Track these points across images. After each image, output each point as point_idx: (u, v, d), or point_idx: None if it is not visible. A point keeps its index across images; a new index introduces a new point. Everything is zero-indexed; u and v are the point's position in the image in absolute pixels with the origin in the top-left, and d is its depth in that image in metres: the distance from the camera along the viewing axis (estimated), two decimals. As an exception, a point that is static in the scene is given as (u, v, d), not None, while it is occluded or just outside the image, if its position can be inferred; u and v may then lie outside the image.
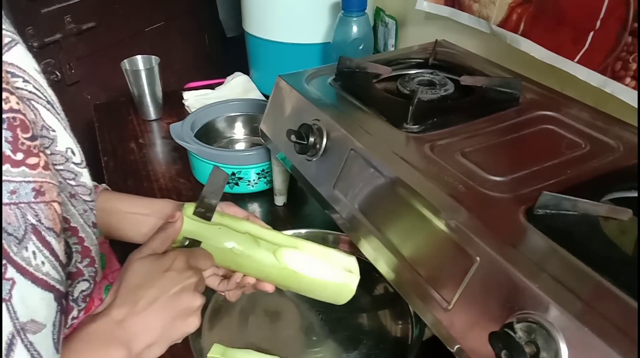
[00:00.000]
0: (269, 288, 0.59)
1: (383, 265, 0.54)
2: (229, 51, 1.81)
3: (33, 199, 0.34)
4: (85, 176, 0.46)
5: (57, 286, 0.36)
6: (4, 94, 0.34)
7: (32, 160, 0.35)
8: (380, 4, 1.14)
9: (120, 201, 0.62)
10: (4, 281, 0.32)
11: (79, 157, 0.45)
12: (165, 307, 0.47)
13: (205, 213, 0.57)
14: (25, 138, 0.34)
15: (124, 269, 0.49)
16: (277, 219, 0.90)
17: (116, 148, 1.12)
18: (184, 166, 1.02)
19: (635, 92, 0.60)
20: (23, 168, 0.34)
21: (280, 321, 0.67)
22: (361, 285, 0.71)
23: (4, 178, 0.33)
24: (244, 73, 1.27)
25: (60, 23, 1.41)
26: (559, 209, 0.45)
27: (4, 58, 0.38)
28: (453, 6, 0.89)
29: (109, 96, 1.49)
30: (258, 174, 0.91)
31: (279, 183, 0.89)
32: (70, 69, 1.47)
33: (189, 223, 0.56)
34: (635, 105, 0.60)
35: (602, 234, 0.44)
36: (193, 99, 1.23)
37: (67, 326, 0.46)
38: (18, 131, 0.34)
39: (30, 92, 0.40)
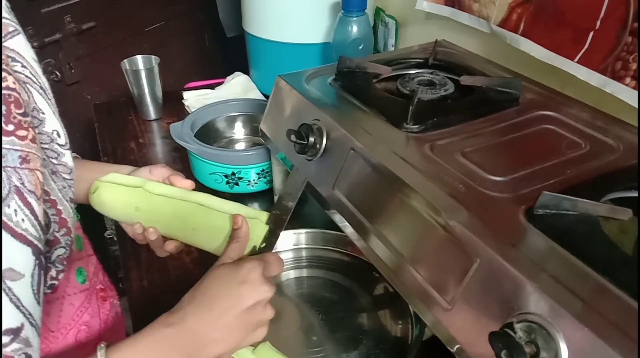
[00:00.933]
0: (170, 246, 0.61)
1: (383, 264, 0.54)
2: (229, 51, 1.81)
3: (19, 165, 0.38)
4: (67, 157, 0.49)
5: (35, 242, 0.39)
6: (3, 74, 0.37)
7: (22, 132, 0.38)
8: (380, 3, 1.14)
9: (86, 168, 0.64)
10: None
11: (63, 139, 0.48)
12: (240, 320, 0.49)
13: (280, 216, 0.58)
14: (18, 113, 0.38)
15: (203, 277, 0.51)
16: (277, 219, 0.90)
17: (116, 147, 1.12)
18: (184, 166, 1.02)
19: (635, 92, 0.60)
20: (12, 137, 0.37)
21: (280, 321, 0.67)
22: (361, 285, 0.72)
23: None
24: (244, 73, 1.27)
25: (60, 23, 1.41)
26: (559, 209, 0.45)
27: (7, 44, 0.41)
28: (453, 6, 0.89)
29: (109, 96, 1.49)
30: (258, 174, 0.91)
31: (279, 183, 0.89)
32: (70, 69, 1.47)
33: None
34: (635, 105, 0.60)
35: (602, 234, 0.44)
36: (193, 99, 1.23)
37: (47, 285, 0.48)
38: (12, 106, 0.37)
39: (26, 76, 0.43)
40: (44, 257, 0.41)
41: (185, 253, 0.83)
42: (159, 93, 1.20)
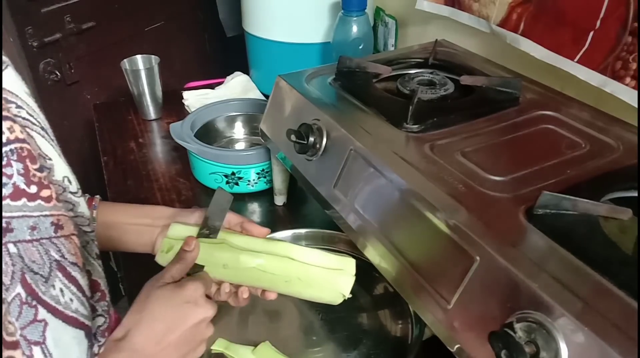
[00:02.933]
0: (271, 296, 0.59)
1: (383, 264, 0.54)
2: (229, 50, 1.81)
3: (54, 234, 0.33)
4: (82, 206, 0.44)
5: (87, 322, 0.35)
6: (8, 123, 0.32)
7: (45, 192, 0.33)
8: (380, 3, 1.14)
9: (119, 213, 0.61)
10: (36, 324, 0.31)
11: (75, 185, 0.43)
12: (184, 339, 0.48)
13: (209, 235, 0.57)
14: (35, 169, 0.33)
15: (143, 297, 0.49)
16: (277, 219, 0.90)
17: (116, 147, 1.12)
18: (184, 166, 1.02)
19: (635, 92, 0.60)
20: (39, 201, 0.32)
21: (280, 321, 0.67)
22: (361, 285, 0.71)
23: (21, 213, 0.31)
24: (244, 73, 1.27)
25: (60, 23, 1.41)
26: (559, 209, 0.45)
27: None
28: (453, 6, 0.89)
29: (109, 95, 1.49)
30: (258, 174, 0.91)
31: (279, 182, 0.89)
32: (70, 69, 1.47)
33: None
34: (635, 105, 0.60)
35: (602, 234, 0.44)
36: (193, 98, 1.23)
37: None
38: (27, 162, 0.32)
39: (24, 118, 0.37)
40: (99, 332, 0.37)
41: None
42: (159, 93, 1.20)
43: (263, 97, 1.17)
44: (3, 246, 0.29)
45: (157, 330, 0.47)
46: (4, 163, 0.30)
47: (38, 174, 0.33)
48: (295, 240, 0.78)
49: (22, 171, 0.31)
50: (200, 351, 0.51)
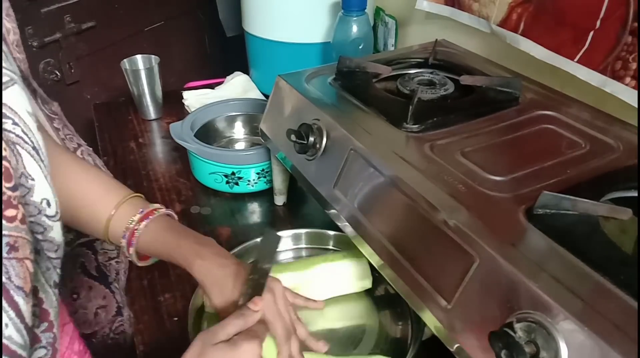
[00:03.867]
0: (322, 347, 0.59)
1: (383, 264, 0.54)
2: (228, 50, 1.81)
3: (6, 255, 0.31)
4: (55, 231, 0.42)
5: (19, 351, 0.33)
6: None
7: (10, 212, 0.32)
8: (380, 3, 1.14)
9: (178, 238, 0.60)
10: None
11: (53, 209, 0.41)
12: None
13: (258, 280, 0.56)
14: (7, 188, 0.32)
15: (195, 352, 0.48)
16: (277, 219, 0.90)
17: (116, 147, 1.12)
18: (184, 166, 1.02)
19: (635, 92, 0.60)
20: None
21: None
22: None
23: None
24: (244, 73, 1.27)
25: (60, 22, 1.41)
26: (558, 209, 0.45)
27: None
28: (453, 6, 0.89)
29: (109, 95, 1.49)
30: (258, 174, 0.91)
31: (279, 182, 0.89)
32: (70, 69, 1.47)
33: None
34: (635, 105, 0.60)
35: (602, 234, 0.44)
36: (193, 98, 1.22)
37: None
38: (2, 179, 0.31)
39: (17, 136, 0.36)
40: None
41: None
42: (159, 93, 1.19)
43: (263, 97, 1.17)
44: None
45: None
46: None
47: (9, 192, 0.32)
48: (295, 239, 0.78)
49: None
50: None
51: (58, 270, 0.42)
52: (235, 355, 0.48)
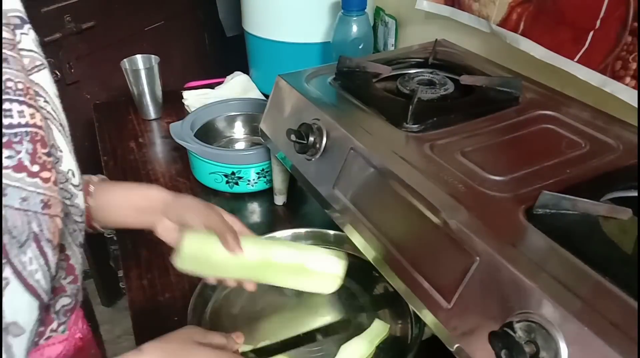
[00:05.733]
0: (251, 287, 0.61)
1: (383, 264, 0.54)
2: (228, 50, 1.81)
3: (40, 210, 0.36)
4: (79, 199, 0.47)
5: (43, 295, 0.37)
6: (32, 110, 0.37)
7: (45, 174, 0.37)
8: (380, 3, 1.14)
9: (117, 196, 0.63)
10: None
11: (77, 179, 0.47)
12: None
13: None
14: (43, 153, 0.37)
15: (175, 341, 0.48)
16: (277, 219, 0.90)
17: (116, 147, 1.12)
18: (184, 166, 1.02)
19: (635, 92, 0.60)
20: (37, 179, 0.36)
21: (280, 320, 0.67)
22: (361, 284, 0.71)
23: (18, 184, 0.35)
24: (244, 72, 1.27)
25: (59, 22, 1.41)
26: (558, 208, 0.45)
27: (33, 78, 0.40)
28: (453, 5, 0.89)
29: (109, 95, 1.49)
30: (258, 173, 0.91)
31: (279, 182, 0.89)
32: (70, 69, 1.47)
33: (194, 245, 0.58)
34: (635, 104, 0.60)
35: (602, 233, 0.44)
36: (193, 98, 1.22)
37: (45, 337, 0.46)
38: (38, 145, 0.36)
39: (48, 112, 0.42)
40: (45, 311, 0.39)
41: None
42: (159, 93, 1.19)
43: (263, 97, 1.17)
44: None
45: None
46: (16, 139, 0.35)
47: (44, 157, 0.37)
48: (295, 239, 0.78)
49: (30, 151, 0.36)
50: None
51: (82, 233, 0.49)
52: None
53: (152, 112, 1.21)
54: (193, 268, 0.60)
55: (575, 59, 0.68)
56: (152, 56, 1.20)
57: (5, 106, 0.35)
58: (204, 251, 0.58)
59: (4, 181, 0.34)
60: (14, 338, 0.35)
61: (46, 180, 0.37)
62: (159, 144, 1.13)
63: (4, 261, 0.33)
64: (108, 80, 1.50)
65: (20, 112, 0.36)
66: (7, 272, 0.34)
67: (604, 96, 0.64)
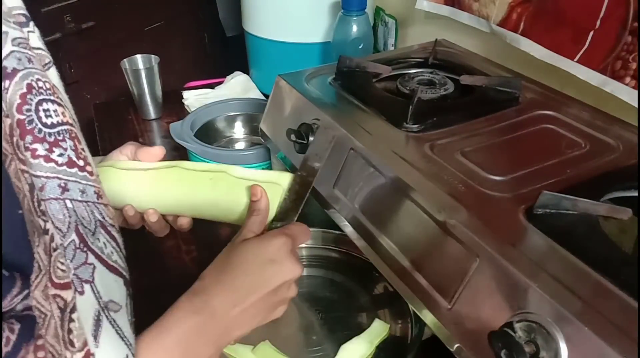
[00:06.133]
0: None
1: (383, 264, 0.54)
2: (228, 50, 1.81)
3: (96, 200, 0.38)
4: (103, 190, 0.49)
5: (124, 273, 0.40)
6: (61, 109, 0.39)
7: (89, 168, 0.39)
8: (380, 3, 1.14)
9: None
10: (87, 266, 0.36)
11: (95, 171, 0.48)
12: (265, 301, 0.47)
13: (307, 178, 0.54)
14: (81, 149, 0.39)
15: (224, 255, 0.49)
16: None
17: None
18: (184, 166, 1.02)
19: (635, 92, 0.60)
20: (85, 173, 0.38)
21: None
22: (361, 284, 0.71)
23: (74, 178, 0.37)
24: (244, 72, 1.27)
25: (59, 22, 1.41)
26: (558, 208, 0.45)
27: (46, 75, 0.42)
28: (453, 5, 0.89)
29: (109, 95, 1.49)
30: (258, 173, 0.91)
31: (279, 182, 0.89)
32: (69, 69, 1.47)
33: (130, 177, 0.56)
34: (635, 104, 0.60)
35: (602, 233, 0.44)
36: (193, 98, 1.22)
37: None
38: (75, 141, 0.38)
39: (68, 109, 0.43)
40: (131, 287, 0.42)
41: (185, 252, 0.83)
42: (159, 93, 1.19)
43: (263, 97, 1.17)
44: (62, 201, 0.36)
45: (238, 292, 0.46)
46: (60, 138, 0.37)
47: (83, 153, 0.39)
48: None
49: (73, 148, 0.38)
50: (279, 312, 0.50)
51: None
52: (264, 249, 0.48)
53: (152, 112, 1.21)
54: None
55: (575, 59, 0.68)
56: (152, 55, 1.20)
57: (46, 106, 0.37)
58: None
59: (64, 177, 0.36)
60: (114, 313, 0.38)
61: (91, 173, 0.39)
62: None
63: (85, 250, 0.36)
64: (108, 80, 1.50)
65: (55, 111, 0.38)
66: (91, 259, 0.36)
67: (604, 96, 0.64)
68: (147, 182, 0.56)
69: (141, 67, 1.18)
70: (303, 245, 0.78)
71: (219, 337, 0.45)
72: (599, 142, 0.57)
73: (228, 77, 1.28)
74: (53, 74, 0.42)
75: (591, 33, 0.65)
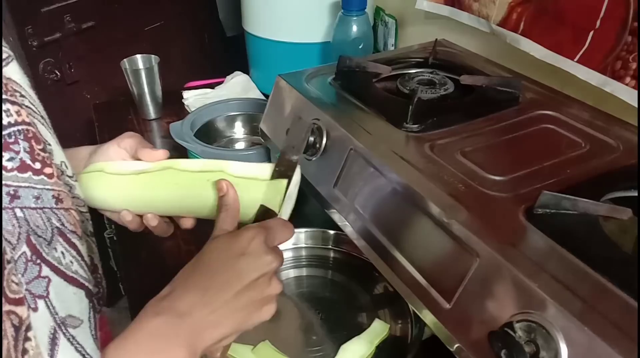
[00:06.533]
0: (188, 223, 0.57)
1: (383, 264, 0.54)
2: (228, 50, 1.81)
3: (54, 206, 0.36)
4: (77, 189, 0.46)
5: (86, 284, 0.38)
6: (16, 107, 0.35)
7: (48, 170, 0.36)
8: (380, 3, 1.14)
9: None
10: (40, 280, 0.34)
11: (70, 170, 0.45)
12: (240, 299, 0.43)
13: (286, 172, 0.50)
14: (39, 149, 0.36)
15: (197, 255, 0.46)
16: (277, 219, 0.89)
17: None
18: (184, 166, 1.02)
19: (635, 92, 0.60)
20: (42, 176, 0.36)
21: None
22: (361, 284, 0.72)
23: (27, 184, 0.35)
24: (244, 72, 1.27)
25: (59, 22, 1.41)
26: (558, 208, 0.45)
27: (4, 72, 0.38)
28: (453, 5, 0.89)
29: (109, 95, 1.49)
30: (258, 173, 0.90)
31: (279, 182, 0.89)
32: (69, 69, 1.47)
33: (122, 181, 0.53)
34: (635, 104, 0.60)
35: (602, 233, 0.44)
36: (193, 98, 1.23)
37: None
38: (32, 142, 0.36)
39: (27, 106, 0.40)
40: (94, 298, 0.39)
41: (185, 252, 0.83)
42: (159, 92, 1.19)
43: (263, 97, 1.17)
44: (11, 211, 0.33)
45: (207, 292, 0.42)
46: (11, 140, 0.34)
47: (42, 154, 0.36)
48: (295, 239, 0.78)
49: (27, 149, 0.35)
50: (268, 312, 0.45)
51: (90, 222, 0.47)
52: (233, 243, 0.45)
53: (152, 112, 1.21)
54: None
55: (575, 59, 0.68)
56: (152, 55, 1.20)
57: None
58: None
59: (13, 183, 0.34)
60: (74, 329, 0.35)
61: (50, 176, 0.36)
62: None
63: (38, 262, 0.34)
64: (108, 80, 1.50)
65: (7, 111, 0.35)
66: (45, 271, 0.34)
67: (604, 96, 0.64)
68: (139, 187, 0.53)
69: (141, 67, 1.18)
70: (303, 245, 0.78)
71: (189, 338, 0.41)
72: (599, 142, 0.57)
73: (228, 77, 1.28)
74: (13, 70, 0.39)
75: (591, 33, 0.65)
